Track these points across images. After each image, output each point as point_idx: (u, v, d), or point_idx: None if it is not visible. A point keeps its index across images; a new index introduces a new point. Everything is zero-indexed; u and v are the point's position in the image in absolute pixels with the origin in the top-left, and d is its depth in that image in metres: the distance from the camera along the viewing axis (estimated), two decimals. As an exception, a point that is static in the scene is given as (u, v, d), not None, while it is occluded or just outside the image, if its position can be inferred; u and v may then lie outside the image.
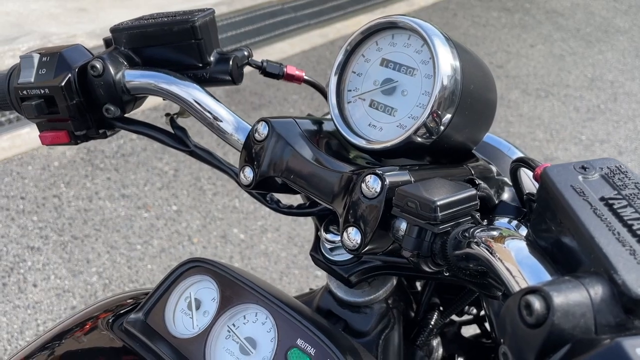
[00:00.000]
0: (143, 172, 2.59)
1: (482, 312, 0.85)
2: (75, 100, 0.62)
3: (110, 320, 0.62)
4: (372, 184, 0.49)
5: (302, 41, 3.81)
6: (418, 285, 0.82)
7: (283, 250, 2.32)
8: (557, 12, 4.96)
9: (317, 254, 0.64)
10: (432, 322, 0.72)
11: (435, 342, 0.81)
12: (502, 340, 0.33)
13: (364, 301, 0.65)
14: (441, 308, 0.75)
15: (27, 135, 2.65)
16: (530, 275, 0.36)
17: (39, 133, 0.66)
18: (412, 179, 0.50)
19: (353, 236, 0.50)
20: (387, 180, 0.48)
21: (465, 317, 0.87)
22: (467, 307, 0.85)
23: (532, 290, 0.30)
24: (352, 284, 0.62)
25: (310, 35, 3.88)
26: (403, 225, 0.47)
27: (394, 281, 0.66)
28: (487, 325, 0.85)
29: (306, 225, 2.47)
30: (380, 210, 0.48)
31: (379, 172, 0.48)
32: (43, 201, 2.37)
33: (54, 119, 0.64)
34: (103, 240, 2.24)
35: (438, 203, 0.44)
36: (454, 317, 0.88)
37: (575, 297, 0.30)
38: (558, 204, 0.36)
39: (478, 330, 0.88)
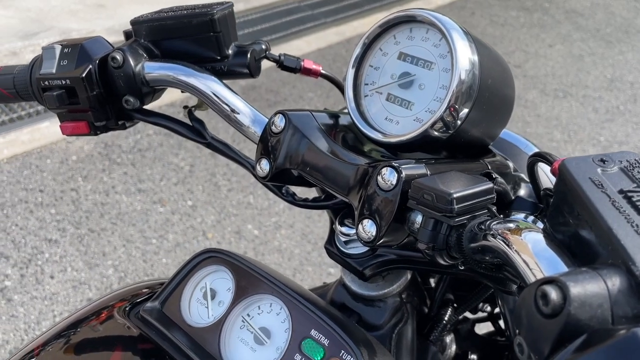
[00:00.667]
0: (159, 167, 2.62)
1: (497, 310, 0.85)
2: (96, 91, 0.63)
3: (126, 309, 0.63)
4: (388, 177, 0.49)
5: (319, 39, 3.81)
6: (432, 282, 0.82)
7: (297, 247, 2.32)
8: (577, 12, 4.90)
9: (331, 247, 0.64)
10: (446, 318, 0.72)
11: (449, 338, 0.81)
12: (517, 331, 0.33)
13: (377, 295, 0.65)
14: (455, 304, 0.75)
15: (46, 129, 2.69)
16: (547, 267, 0.36)
17: (59, 123, 0.67)
18: (429, 172, 0.50)
19: (368, 228, 0.50)
20: (404, 173, 0.48)
21: (479, 315, 0.87)
22: (481, 304, 0.84)
23: (548, 281, 0.30)
24: (366, 277, 0.62)
25: (327, 33, 3.88)
26: (419, 218, 0.47)
27: (408, 276, 0.66)
28: (501, 322, 0.85)
29: (320, 223, 2.47)
30: (395, 202, 0.48)
31: (395, 164, 0.48)
32: (61, 194, 2.41)
33: (74, 110, 0.65)
34: (119, 233, 2.27)
35: (454, 195, 0.44)
36: (468, 315, 0.88)
37: (593, 288, 0.30)
38: (576, 196, 0.36)
39: (492, 328, 0.87)
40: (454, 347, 0.82)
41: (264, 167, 0.59)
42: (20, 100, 0.69)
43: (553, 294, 0.29)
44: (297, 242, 2.35)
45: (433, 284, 0.81)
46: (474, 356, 0.83)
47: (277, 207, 2.51)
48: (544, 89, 3.69)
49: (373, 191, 0.49)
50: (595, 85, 3.79)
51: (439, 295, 0.73)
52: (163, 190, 2.50)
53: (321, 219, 2.49)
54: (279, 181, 0.60)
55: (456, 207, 0.44)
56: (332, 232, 0.65)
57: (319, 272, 2.24)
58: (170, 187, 2.53)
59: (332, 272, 2.23)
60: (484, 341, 0.85)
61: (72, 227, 2.27)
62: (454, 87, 0.52)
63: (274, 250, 2.30)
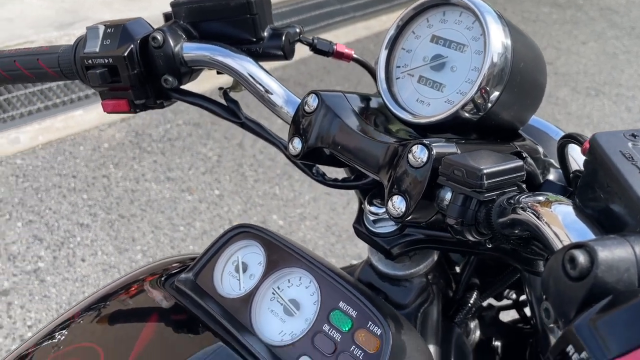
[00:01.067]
0: (188, 157, 2.67)
1: (522, 297, 0.85)
2: (137, 70, 0.66)
3: (162, 279, 0.65)
4: (418, 154, 0.50)
5: (347, 33, 3.82)
6: (457, 269, 0.83)
7: (321, 239, 2.34)
8: (612, 9, 4.79)
9: (360, 226, 0.65)
10: (471, 301, 0.72)
11: (473, 324, 0.82)
12: (545, 297, 0.34)
13: (404, 274, 0.66)
14: (480, 289, 0.76)
15: (80, 117, 2.76)
16: (576, 238, 0.37)
17: (101, 101, 0.70)
18: (458, 151, 0.50)
19: (398, 204, 0.51)
20: (434, 150, 0.49)
21: (504, 302, 0.87)
22: (506, 292, 0.85)
23: (576, 246, 0.31)
24: (393, 256, 0.63)
25: (356, 27, 3.88)
26: (448, 195, 0.48)
27: (435, 257, 0.67)
28: (526, 310, 0.85)
29: (344, 215, 2.49)
30: (425, 179, 0.49)
31: (426, 142, 0.49)
32: (93, 180, 2.47)
33: (115, 88, 0.67)
34: (148, 220, 2.32)
35: (485, 171, 0.45)
36: (493, 302, 0.88)
37: (620, 253, 0.30)
38: (606, 168, 0.37)
39: (517, 316, 0.88)
40: (478, 333, 0.82)
41: (296, 145, 0.60)
42: (64, 79, 0.72)
43: (581, 257, 0.30)
44: (322, 234, 2.37)
45: (458, 270, 0.82)
46: (497, 343, 0.83)
47: (302, 199, 2.54)
48: (576, 86, 3.63)
49: (403, 168, 0.51)
50: (629, 84, 3.71)
51: (465, 278, 0.73)
52: (191, 179, 2.55)
53: (345, 211, 2.51)
54: (310, 160, 0.62)
55: (486, 182, 0.45)
56: (361, 211, 0.66)
57: (343, 263, 2.25)
58: (198, 176, 2.57)
59: (355, 264, 2.25)
60: (509, 328, 0.85)
61: (103, 213, 2.33)
62: (485, 69, 0.53)
63: (299, 240, 2.32)
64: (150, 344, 0.58)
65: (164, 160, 2.63)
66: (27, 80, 0.74)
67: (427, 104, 0.58)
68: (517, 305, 0.86)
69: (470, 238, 0.48)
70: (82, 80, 0.70)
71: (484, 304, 0.86)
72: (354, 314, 0.54)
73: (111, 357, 0.57)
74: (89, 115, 2.77)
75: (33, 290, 2.02)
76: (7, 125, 2.62)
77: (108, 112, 0.69)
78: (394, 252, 0.62)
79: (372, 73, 0.74)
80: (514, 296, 0.85)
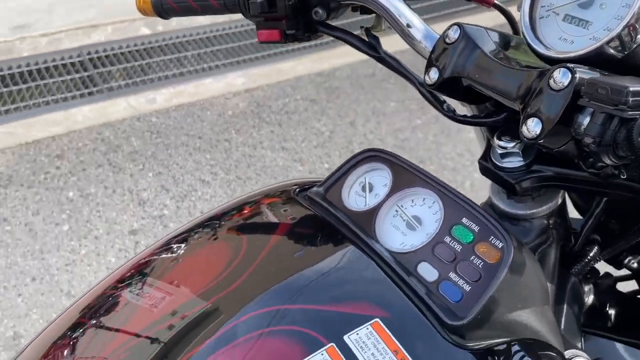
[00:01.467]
0: (302, 130, 2.78)
1: (645, 267, 0.82)
2: (292, 0, 0.73)
3: (295, 191, 0.72)
4: (560, 78, 0.51)
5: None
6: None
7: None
8: None
9: (485, 161, 0.67)
10: (591, 254, 0.72)
11: (587, 288, 0.80)
12: None
13: (525, 214, 0.67)
14: (601, 247, 0.74)
15: (209, 85, 2.97)
16: None
17: (256, 30, 0.78)
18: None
19: (533, 127, 0.52)
20: (577, 74, 0.50)
21: (624, 272, 0.84)
22: (627, 260, 0.82)
23: None
24: (517, 192, 0.64)
25: (469, 20, 3.78)
26: (586, 120, 0.49)
27: (559, 200, 0.67)
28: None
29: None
30: (565, 101, 0.50)
31: (570, 65, 0.51)
32: (216, 143, 2.66)
33: (271, 18, 0.75)
34: (262, 184, 2.46)
35: (631, 89, 0.45)
36: (610, 271, 0.85)
37: None
38: None
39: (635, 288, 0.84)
40: (591, 297, 0.81)
41: (432, 75, 0.63)
42: (225, 11, 0.81)
43: None
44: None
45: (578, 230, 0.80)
46: (612, 311, 0.81)
47: (410, 181, 2.54)
48: None
49: (542, 92, 0.52)
50: None
51: (587, 231, 0.72)
52: (304, 150, 2.66)
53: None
54: (443, 91, 0.65)
55: (631, 99, 0.45)
56: (488, 147, 0.68)
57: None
58: (310, 149, 2.68)
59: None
60: (625, 298, 0.83)
61: (222, 173, 2.50)
62: (637, 6, 0.53)
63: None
64: (285, 240, 0.64)
65: (280, 131, 2.76)
66: (192, 12, 0.84)
67: (571, 42, 0.58)
68: (638, 275, 0.82)
69: (607, 161, 0.49)
70: (242, 12, 0.78)
71: (601, 272, 0.84)
72: (476, 228, 0.56)
73: (252, 246, 0.64)
74: (218, 84, 2.98)
75: (157, 233, 2.23)
76: (146, 86, 2.90)
77: (261, 41, 0.77)
78: (519, 187, 0.63)
79: (512, 21, 0.76)
80: (635, 265, 0.82)
